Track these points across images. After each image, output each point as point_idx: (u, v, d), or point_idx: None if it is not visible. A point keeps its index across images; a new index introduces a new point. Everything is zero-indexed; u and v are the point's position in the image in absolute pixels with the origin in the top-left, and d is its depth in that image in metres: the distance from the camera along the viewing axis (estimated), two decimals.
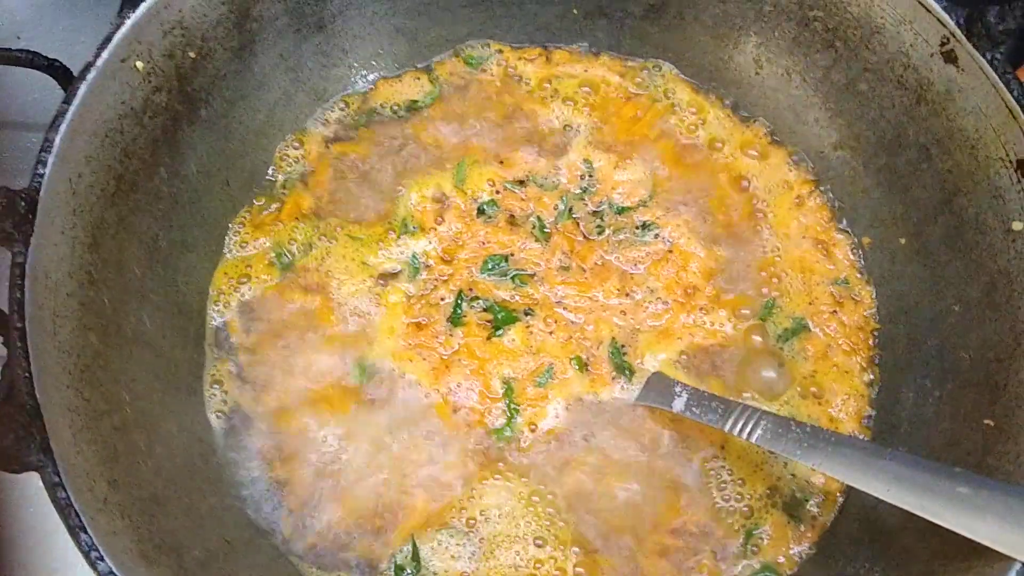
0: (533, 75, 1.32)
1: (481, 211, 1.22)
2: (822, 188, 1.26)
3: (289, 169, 1.25)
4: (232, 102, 1.17)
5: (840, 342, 1.17)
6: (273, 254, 1.19)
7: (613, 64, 1.33)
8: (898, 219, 1.18)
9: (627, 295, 1.18)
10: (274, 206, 1.22)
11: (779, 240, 1.22)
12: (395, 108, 1.30)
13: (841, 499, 1.10)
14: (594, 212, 1.23)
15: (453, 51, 1.34)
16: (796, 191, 1.25)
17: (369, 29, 1.28)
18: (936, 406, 1.08)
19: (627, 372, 1.14)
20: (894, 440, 1.09)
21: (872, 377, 1.16)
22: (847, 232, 1.23)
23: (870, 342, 1.18)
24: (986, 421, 0.99)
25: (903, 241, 1.17)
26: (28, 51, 1.19)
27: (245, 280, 1.18)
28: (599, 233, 1.21)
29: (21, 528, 1.18)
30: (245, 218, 1.21)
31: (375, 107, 1.30)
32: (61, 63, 1.22)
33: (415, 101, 1.30)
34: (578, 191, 1.24)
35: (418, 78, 1.32)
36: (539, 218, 1.22)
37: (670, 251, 1.20)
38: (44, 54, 1.18)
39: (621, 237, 1.21)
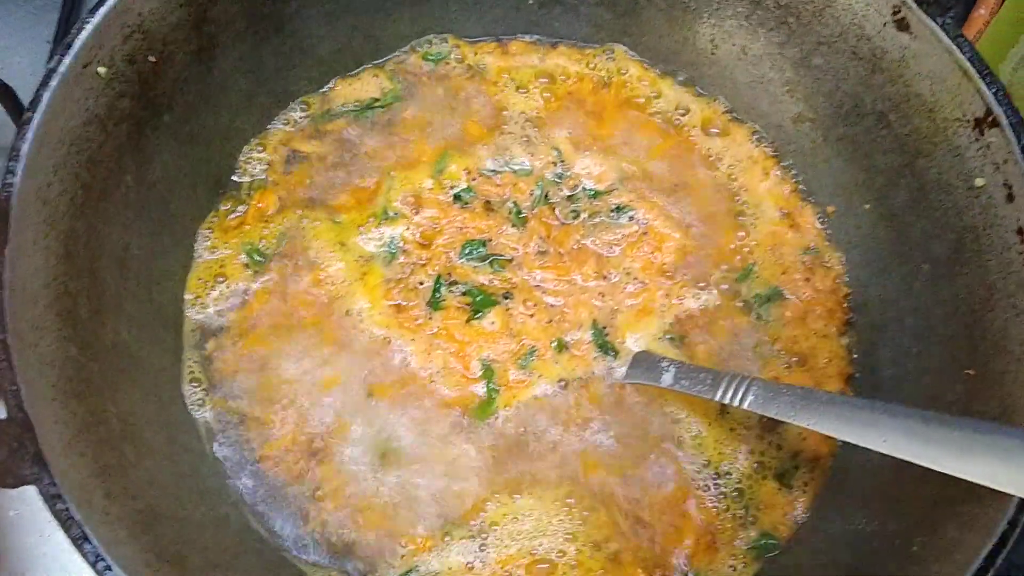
0: (492, 67, 1.32)
1: (458, 198, 1.22)
2: (784, 162, 1.28)
3: (254, 171, 1.24)
4: (194, 106, 1.15)
5: (815, 308, 1.19)
6: (245, 255, 1.18)
7: (570, 52, 1.35)
8: (861, 186, 1.21)
9: (604, 277, 1.19)
10: (241, 208, 1.21)
11: (749, 214, 1.25)
12: (356, 107, 1.29)
13: (831, 462, 1.12)
14: (569, 197, 1.23)
15: (411, 47, 1.34)
16: (761, 165, 1.28)
17: (326, 28, 1.26)
18: (916, 361, 1.10)
19: (611, 352, 1.15)
20: (878, 398, 1.11)
21: (851, 340, 1.18)
22: (811, 202, 1.26)
23: (844, 305, 1.20)
24: (967, 371, 1.01)
25: (867, 207, 1.20)
26: None
27: (222, 280, 1.17)
28: (574, 217, 1.22)
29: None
30: (213, 222, 1.19)
31: (336, 107, 1.29)
32: (2, 81, 1.19)
33: (376, 99, 1.30)
34: (552, 177, 1.24)
35: (376, 75, 1.32)
36: (515, 203, 1.22)
37: (644, 232, 1.21)
38: None
39: (596, 221, 1.22)
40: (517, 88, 1.31)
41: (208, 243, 1.18)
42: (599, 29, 1.34)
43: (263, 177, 1.23)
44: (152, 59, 1.07)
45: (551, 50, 1.35)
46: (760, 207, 1.25)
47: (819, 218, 1.25)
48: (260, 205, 1.21)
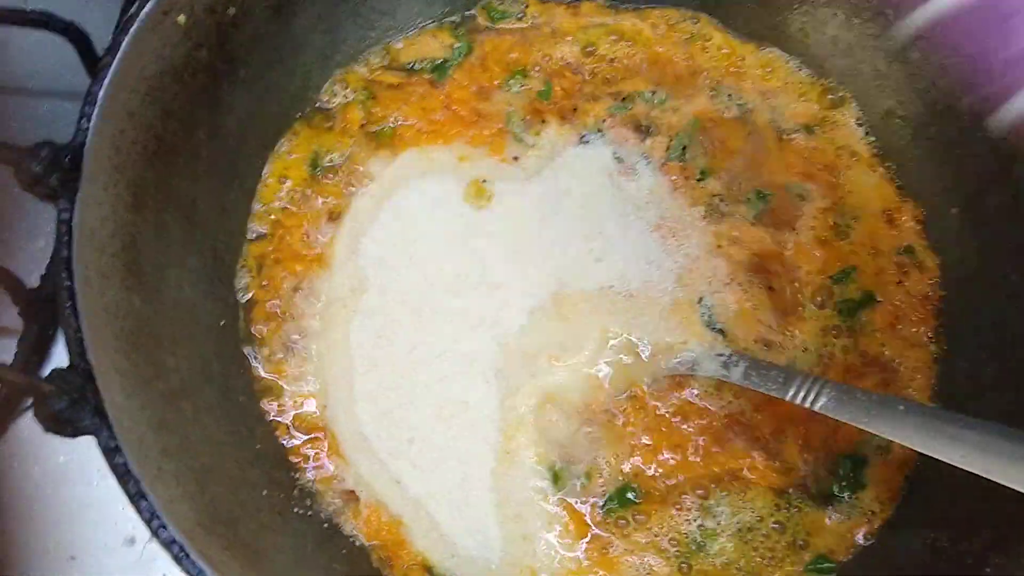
0: (562, 25, 1.28)
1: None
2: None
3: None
4: (270, 62, 1.14)
5: (908, 314, 1.14)
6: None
7: (645, 14, 1.29)
8: (950, 190, 1.15)
9: None
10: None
11: (852, 209, 1.19)
12: (426, 65, 1.26)
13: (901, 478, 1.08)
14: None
15: (481, 6, 1.29)
16: (864, 159, 1.22)
17: None
18: (997, 375, 1.06)
19: (720, 332, 1.12)
20: (956, 410, 1.07)
21: (937, 348, 1.13)
22: (909, 199, 1.20)
23: (935, 311, 1.15)
24: None
25: (955, 211, 1.15)
26: (43, 12, 1.14)
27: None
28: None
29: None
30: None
31: (408, 63, 1.26)
32: (77, 25, 1.17)
33: (446, 59, 1.26)
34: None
35: (436, 35, 1.28)
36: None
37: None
38: (60, 16, 1.12)
39: None
40: (584, 48, 1.27)
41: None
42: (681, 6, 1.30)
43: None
44: (232, 11, 1.05)
45: (623, 11, 1.29)
46: (863, 202, 1.20)
47: (915, 217, 1.19)
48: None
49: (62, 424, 0.77)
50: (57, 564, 1.13)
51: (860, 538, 1.05)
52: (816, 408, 0.98)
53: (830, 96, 1.24)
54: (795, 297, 1.14)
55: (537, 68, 1.24)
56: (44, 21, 1.13)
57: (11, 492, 1.16)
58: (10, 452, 1.17)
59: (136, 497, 0.77)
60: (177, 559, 0.76)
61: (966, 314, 1.12)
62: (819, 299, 1.14)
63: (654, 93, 1.23)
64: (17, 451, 1.17)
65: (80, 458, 1.17)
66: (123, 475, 0.78)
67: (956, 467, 0.85)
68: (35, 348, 1.18)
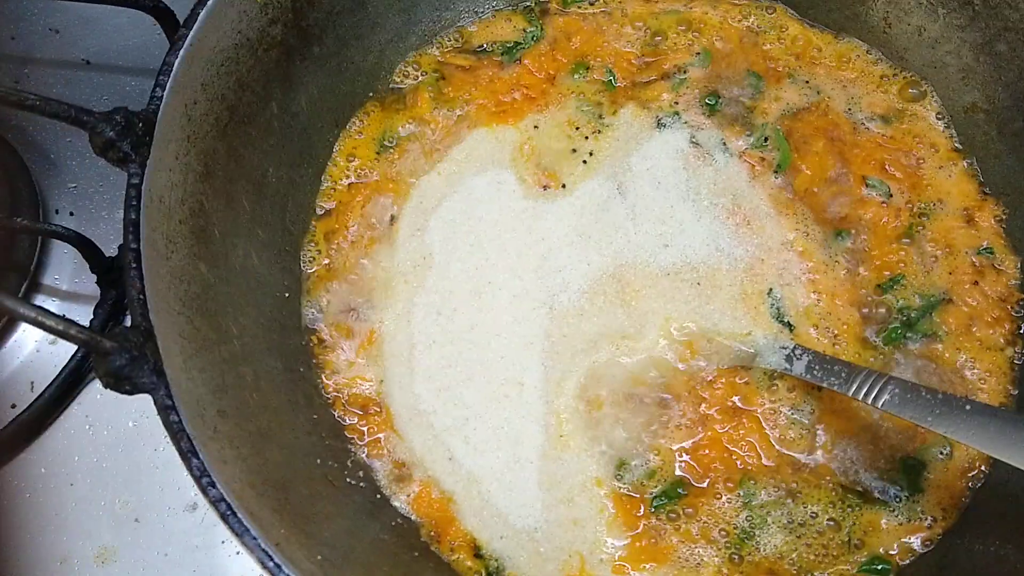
0: (633, 11, 1.26)
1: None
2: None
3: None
4: (345, 41, 1.15)
5: (983, 315, 1.10)
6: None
7: (718, 2, 1.27)
8: None
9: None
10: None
11: (930, 205, 1.16)
12: (498, 47, 1.26)
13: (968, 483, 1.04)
14: None
15: None
16: (944, 152, 1.18)
17: None
18: None
19: (788, 326, 1.10)
20: None
21: (1015, 352, 1.09)
22: (991, 197, 1.16)
23: (1014, 315, 1.10)
24: None
25: None
26: None
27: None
28: None
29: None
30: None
31: (479, 46, 1.26)
32: (164, 4, 1.20)
33: (518, 43, 1.26)
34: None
35: (510, 19, 1.28)
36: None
37: None
38: None
39: None
40: (653, 36, 1.25)
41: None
42: None
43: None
44: None
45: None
46: (943, 198, 1.16)
47: (995, 217, 1.14)
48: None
49: (120, 381, 0.79)
50: (122, 525, 1.17)
51: (918, 544, 1.02)
52: (879, 405, 0.95)
53: (911, 90, 1.21)
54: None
55: (601, 58, 1.24)
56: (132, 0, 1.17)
57: (82, 454, 1.20)
58: (82, 415, 1.21)
59: (188, 454, 0.79)
60: (224, 517, 0.78)
61: None
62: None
63: (732, 81, 1.22)
64: (90, 414, 1.21)
65: (149, 423, 1.20)
66: (176, 432, 0.80)
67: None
68: (111, 315, 1.22)
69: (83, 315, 1.22)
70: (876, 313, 1.11)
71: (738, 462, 1.04)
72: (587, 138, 1.19)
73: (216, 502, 0.78)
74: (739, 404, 1.07)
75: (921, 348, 1.09)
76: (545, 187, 1.16)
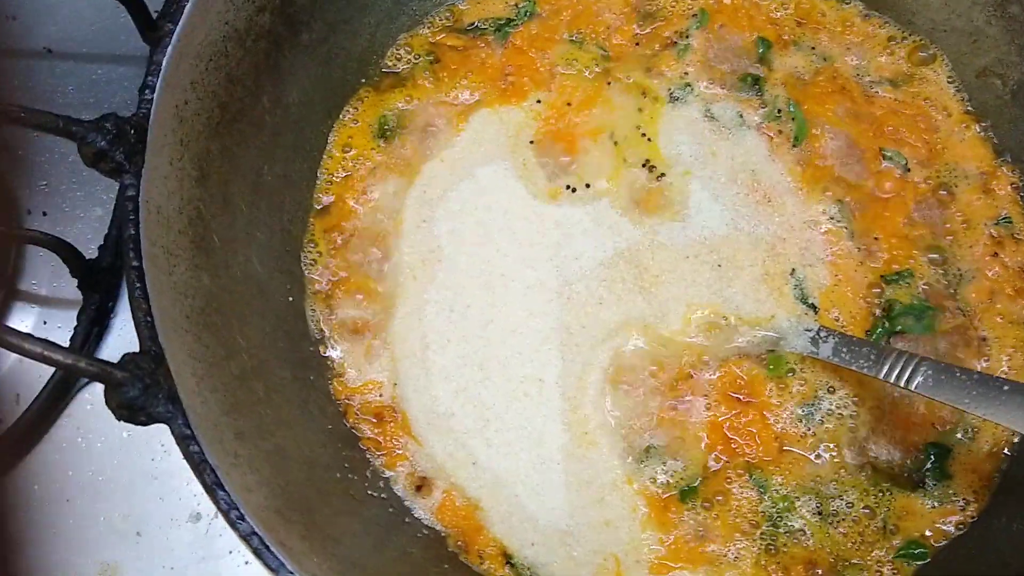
0: None
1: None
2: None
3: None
4: (334, 25, 1.10)
5: (1004, 288, 1.07)
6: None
7: None
8: None
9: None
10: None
11: (948, 174, 1.13)
12: (491, 24, 1.20)
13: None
14: None
15: None
16: (956, 116, 1.15)
17: None
18: None
19: (812, 307, 1.07)
20: None
21: None
22: (1006, 163, 1.13)
23: None
24: None
25: None
26: None
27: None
28: None
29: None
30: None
31: (471, 24, 1.21)
32: None
33: (511, 19, 1.21)
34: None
35: None
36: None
37: None
38: None
39: None
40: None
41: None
42: None
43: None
44: None
45: None
46: (961, 166, 1.13)
47: (1012, 185, 1.12)
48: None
49: (135, 412, 0.75)
50: (125, 540, 1.12)
51: (952, 527, 1.00)
52: (912, 388, 0.93)
53: (920, 52, 1.17)
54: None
55: (595, 30, 1.19)
56: None
57: (76, 468, 1.15)
58: (74, 427, 1.16)
59: (213, 487, 0.75)
60: (257, 553, 0.74)
61: None
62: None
63: (738, 50, 1.17)
64: (81, 426, 1.16)
65: (143, 432, 1.14)
66: (198, 464, 0.75)
67: None
68: (95, 320, 1.17)
69: (66, 321, 1.17)
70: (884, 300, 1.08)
71: (765, 452, 1.02)
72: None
73: (247, 536, 0.74)
74: (764, 393, 1.04)
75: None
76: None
